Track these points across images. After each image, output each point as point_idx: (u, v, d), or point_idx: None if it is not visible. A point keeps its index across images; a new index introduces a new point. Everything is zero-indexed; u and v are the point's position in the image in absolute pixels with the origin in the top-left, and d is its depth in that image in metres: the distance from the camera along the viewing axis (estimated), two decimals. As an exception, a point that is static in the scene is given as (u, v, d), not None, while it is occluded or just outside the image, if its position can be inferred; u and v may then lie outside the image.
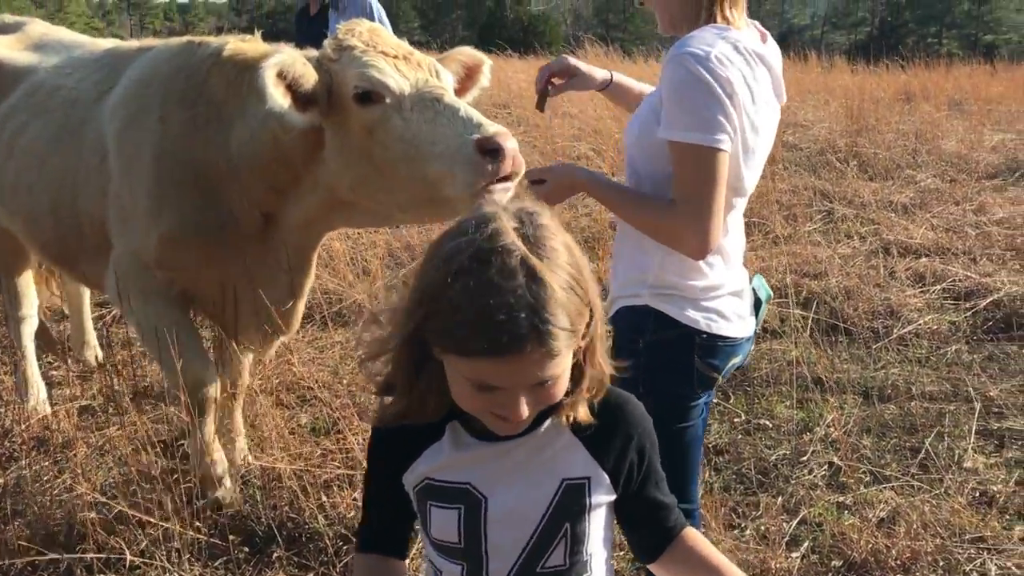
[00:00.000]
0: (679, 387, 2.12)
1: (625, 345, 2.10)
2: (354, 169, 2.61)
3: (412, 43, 2.87)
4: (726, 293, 2.14)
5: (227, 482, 3.31)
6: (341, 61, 2.57)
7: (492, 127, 2.36)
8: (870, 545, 3.11)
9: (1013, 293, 5.23)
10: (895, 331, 4.91)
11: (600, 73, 2.52)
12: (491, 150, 2.31)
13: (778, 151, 8.30)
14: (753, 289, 2.24)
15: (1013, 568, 3.07)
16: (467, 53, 2.93)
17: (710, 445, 3.90)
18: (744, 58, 1.97)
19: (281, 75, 2.45)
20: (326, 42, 2.66)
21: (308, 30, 7.70)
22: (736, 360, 2.20)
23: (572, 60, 2.50)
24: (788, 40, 46.16)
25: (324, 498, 3.23)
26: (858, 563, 3.07)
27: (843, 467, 3.61)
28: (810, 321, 4.73)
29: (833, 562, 3.13)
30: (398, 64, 2.54)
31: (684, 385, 2.11)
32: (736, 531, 3.28)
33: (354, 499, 3.27)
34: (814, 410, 4.13)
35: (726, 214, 2.05)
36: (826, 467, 3.69)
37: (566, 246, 1.27)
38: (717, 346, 2.11)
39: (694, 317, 2.08)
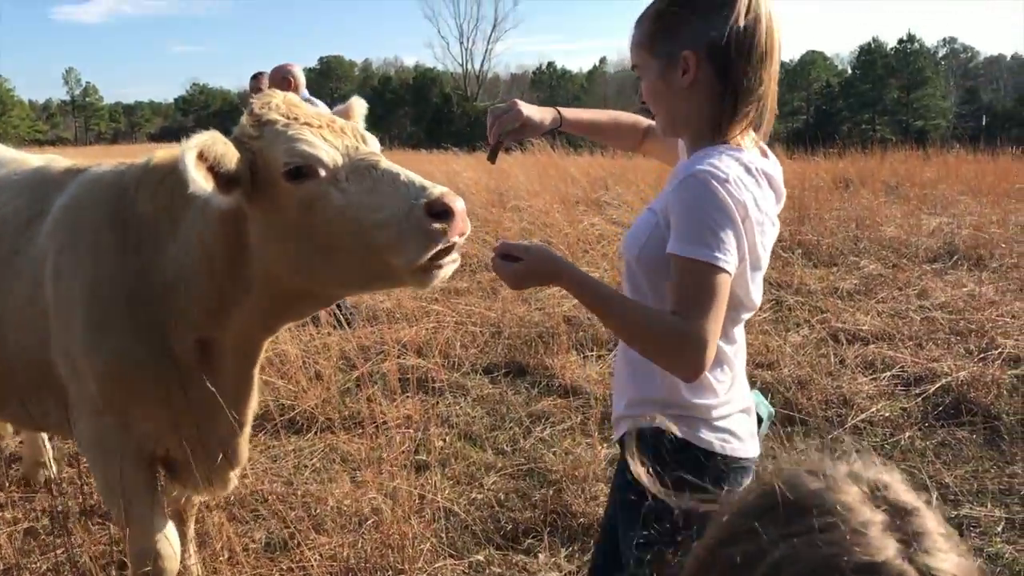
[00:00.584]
0: None
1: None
2: (292, 251, 2.43)
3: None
4: (736, 411, 2.07)
5: None
6: (264, 137, 2.42)
7: (437, 188, 2.25)
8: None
9: (960, 378, 5.33)
10: (849, 420, 4.95)
11: (548, 114, 2.46)
12: (440, 212, 2.21)
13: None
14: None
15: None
16: (358, 106, 2.86)
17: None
18: (755, 179, 1.96)
19: (202, 156, 2.28)
20: (243, 118, 2.50)
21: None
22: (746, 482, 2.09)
23: (523, 109, 2.39)
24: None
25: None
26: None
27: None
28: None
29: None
30: (324, 134, 2.41)
31: None
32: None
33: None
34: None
35: (733, 327, 2.04)
36: None
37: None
38: (731, 469, 2.02)
39: (708, 439, 2.00)
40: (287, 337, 5.87)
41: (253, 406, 3.00)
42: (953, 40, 77.57)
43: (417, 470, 4.39)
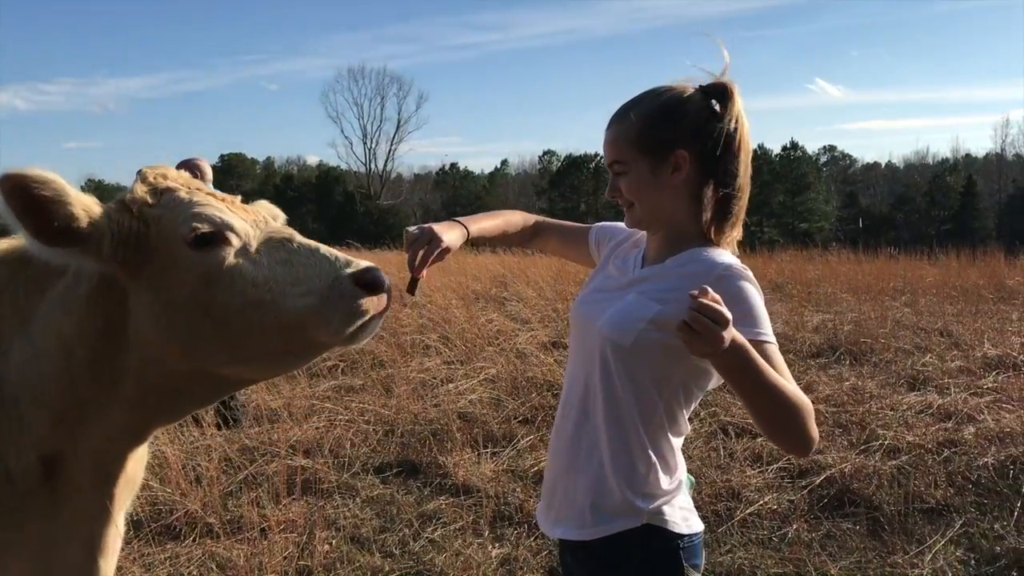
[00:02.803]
0: None
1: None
2: (185, 328, 2.12)
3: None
4: (681, 484, 2.12)
5: None
6: (163, 205, 2.14)
7: (362, 262, 2.10)
8: None
9: (844, 469, 5.46)
10: (738, 513, 4.99)
11: (458, 230, 2.39)
12: (369, 284, 2.04)
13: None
14: None
15: None
16: (266, 206, 2.52)
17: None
18: None
19: (27, 189, 1.93)
20: (135, 186, 2.19)
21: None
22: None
23: (441, 234, 2.30)
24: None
25: None
26: None
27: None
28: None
29: None
30: (230, 207, 2.20)
31: None
32: None
33: None
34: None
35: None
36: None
37: None
38: (695, 545, 2.07)
39: (674, 520, 2.04)
40: (166, 439, 5.62)
41: (119, 535, 2.48)
42: (833, 148, 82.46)
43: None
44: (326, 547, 4.55)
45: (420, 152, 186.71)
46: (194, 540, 4.67)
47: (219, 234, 2.10)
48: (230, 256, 2.10)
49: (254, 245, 2.13)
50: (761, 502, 5.13)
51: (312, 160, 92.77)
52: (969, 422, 6.34)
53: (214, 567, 4.39)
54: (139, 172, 2.24)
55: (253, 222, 2.19)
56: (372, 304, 2.04)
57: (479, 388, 7.40)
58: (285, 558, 4.18)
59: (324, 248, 2.14)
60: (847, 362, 8.47)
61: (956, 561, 4.40)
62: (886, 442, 5.93)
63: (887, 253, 17.63)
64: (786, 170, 67.10)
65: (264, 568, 3.97)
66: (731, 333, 1.73)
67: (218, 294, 2.09)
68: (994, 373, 7.61)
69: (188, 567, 4.39)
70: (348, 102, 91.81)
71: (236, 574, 4.18)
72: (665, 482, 2.05)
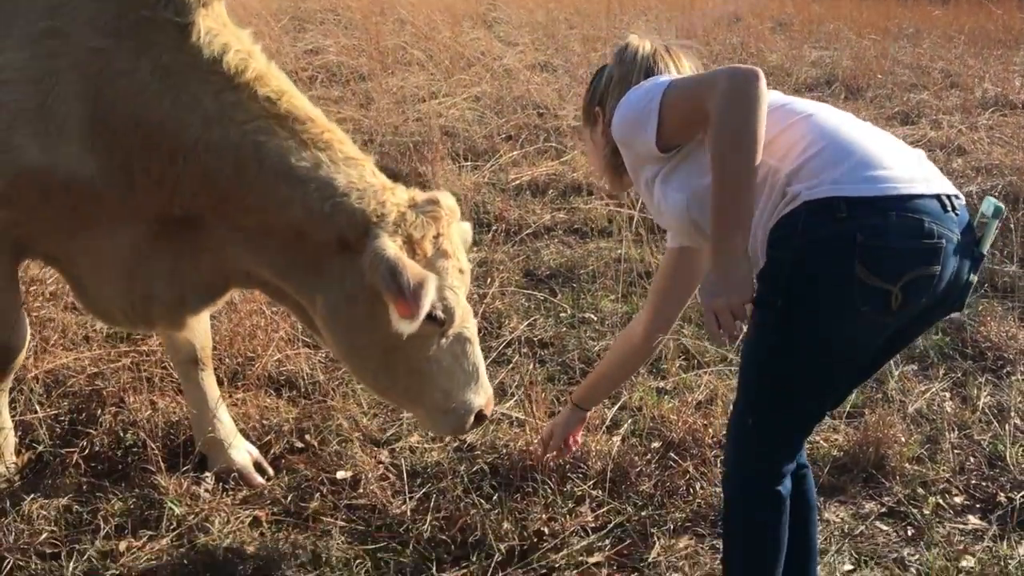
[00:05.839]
0: None
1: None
2: (347, 328, 2.40)
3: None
4: None
5: (10, 456, 2.84)
6: (431, 259, 2.35)
7: (489, 390, 2.54)
8: (688, 425, 3.14)
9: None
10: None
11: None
12: (481, 418, 2.54)
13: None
14: None
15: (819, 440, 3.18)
16: (465, 230, 2.69)
17: (535, 339, 3.85)
18: None
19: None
20: (429, 227, 2.35)
21: None
22: None
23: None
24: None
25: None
26: (676, 442, 3.10)
27: (664, 353, 3.63)
28: (635, 220, 4.73)
29: (653, 443, 3.14)
30: (462, 284, 2.44)
31: None
32: (558, 418, 3.25)
33: (151, 401, 3.02)
34: (638, 303, 4.14)
35: None
36: (648, 355, 3.70)
37: None
38: None
39: None
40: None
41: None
42: None
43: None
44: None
45: None
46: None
47: (442, 319, 2.35)
48: (434, 334, 2.39)
49: (449, 331, 2.40)
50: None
51: None
52: (960, 154, 6.24)
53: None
54: (436, 208, 2.38)
55: (462, 312, 2.42)
56: (469, 429, 2.60)
57: (463, 104, 7.18)
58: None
59: (482, 369, 2.52)
60: (842, 96, 8.22)
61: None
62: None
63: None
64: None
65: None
66: (716, 289, 1.91)
67: (405, 347, 2.34)
68: (991, 111, 7.42)
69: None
70: None
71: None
72: None
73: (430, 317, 2.26)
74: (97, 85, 2.24)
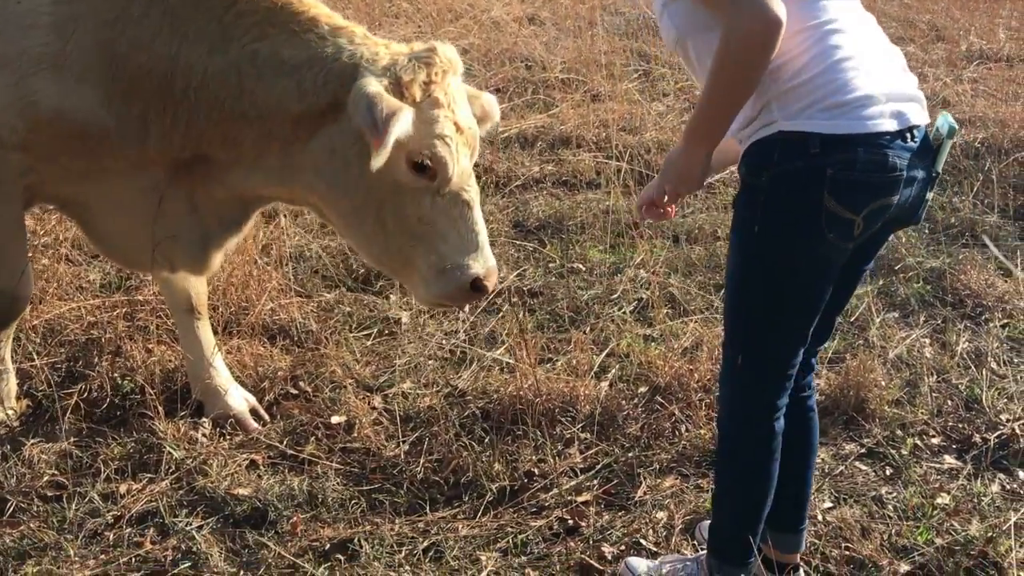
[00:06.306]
0: None
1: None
2: (341, 184, 2.39)
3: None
4: None
5: (11, 402, 2.90)
6: (422, 108, 2.30)
7: (491, 261, 2.43)
8: (674, 370, 3.21)
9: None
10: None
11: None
12: (478, 289, 2.41)
13: (596, 15, 8.24)
14: None
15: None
16: (489, 102, 2.69)
17: (525, 288, 3.91)
18: None
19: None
20: (419, 71, 2.30)
21: None
22: None
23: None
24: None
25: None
26: (662, 387, 3.18)
27: (651, 302, 3.70)
28: (623, 172, 4.77)
29: (640, 388, 3.22)
30: (461, 144, 2.37)
31: None
32: (548, 364, 3.32)
33: (147, 349, 3.07)
34: (626, 253, 4.20)
35: None
36: (635, 304, 3.77)
37: None
38: None
39: None
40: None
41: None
42: None
43: (267, 218, 4.22)
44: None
45: None
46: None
47: (432, 172, 2.32)
48: (425, 186, 2.34)
49: (446, 189, 2.35)
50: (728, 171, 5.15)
51: None
52: (944, 106, 6.28)
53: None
54: (431, 54, 2.32)
55: (460, 171, 2.36)
56: (466, 298, 2.50)
57: (450, 57, 7.14)
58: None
59: (483, 231, 2.43)
60: None
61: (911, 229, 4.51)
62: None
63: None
64: None
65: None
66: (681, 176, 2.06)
67: (395, 203, 2.35)
68: (976, 63, 7.45)
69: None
70: None
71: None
72: None
73: (418, 167, 2.30)
74: (114, 32, 2.31)
